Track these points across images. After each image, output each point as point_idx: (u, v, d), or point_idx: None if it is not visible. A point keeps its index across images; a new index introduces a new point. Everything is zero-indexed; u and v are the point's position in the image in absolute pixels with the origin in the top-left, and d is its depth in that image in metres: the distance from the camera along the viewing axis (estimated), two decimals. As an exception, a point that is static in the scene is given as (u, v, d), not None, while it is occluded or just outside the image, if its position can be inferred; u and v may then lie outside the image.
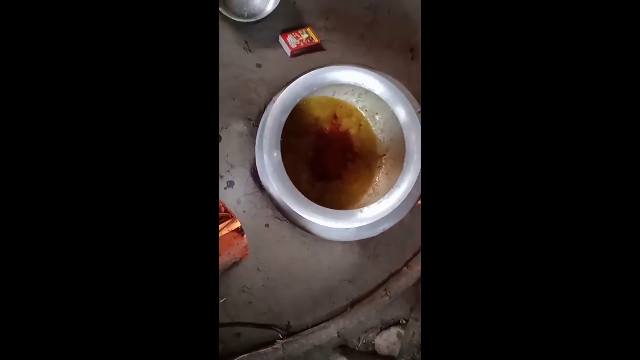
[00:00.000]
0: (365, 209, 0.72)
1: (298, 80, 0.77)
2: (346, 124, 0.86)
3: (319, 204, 0.74)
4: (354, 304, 0.96)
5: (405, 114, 0.77)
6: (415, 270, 0.95)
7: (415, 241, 0.98)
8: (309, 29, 0.95)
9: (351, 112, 0.85)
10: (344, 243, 0.90)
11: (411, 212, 0.92)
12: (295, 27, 0.96)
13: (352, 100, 0.83)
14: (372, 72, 0.81)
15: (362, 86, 0.81)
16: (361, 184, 0.82)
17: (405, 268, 0.96)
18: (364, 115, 0.84)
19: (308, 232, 0.82)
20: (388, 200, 0.72)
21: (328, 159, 0.85)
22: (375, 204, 0.72)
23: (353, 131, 0.86)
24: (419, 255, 0.97)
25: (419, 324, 0.87)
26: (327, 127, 0.85)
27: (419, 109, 0.83)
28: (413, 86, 1.00)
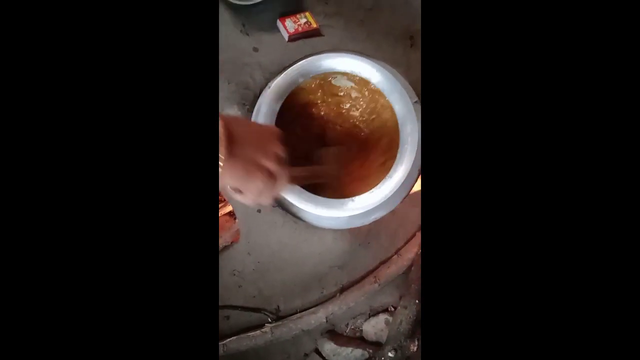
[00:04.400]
0: (357, 198, 0.72)
1: (293, 67, 0.76)
2: (342, 111, 0.86)
3: (312, 191, 0.74)
4: (343, 290, 0.97)
5: (400, 103, 0.77)
6: (405, 258, 0.96)
7: (405, 230, 0.98)
8: (307, 13, 0.94)
9: (347, 99, 0.84)
10: (335, 230, 0.91)
11: (402, 201, 0.92)
12: (293, 10, 0.95)
13: (348, 87, 0.83)
14: (369, 60, 0.80)
15: (359, 74, 0.81)
16: (356, 172, 0.82)
17: (395, 256, 0.97)
18: (361, 102, 0.84)
19: (299, 218, 0.82)
20: (380, 190, 0.72)
21: (322, 146, 0.85)
22: (367, 193, 0.72)
23: (349, 119, 0.85)
24: (409, 244, 0.97)
25: (407, 311, 0.88)
26: (323, 114, 0.85)
27: (416, 99, 0.82)
28: (411, 74, 0.99)
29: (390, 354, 0.87)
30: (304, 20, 0.92)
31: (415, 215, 0.97)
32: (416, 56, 1.01)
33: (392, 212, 0.94)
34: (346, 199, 0.72)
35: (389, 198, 0.74)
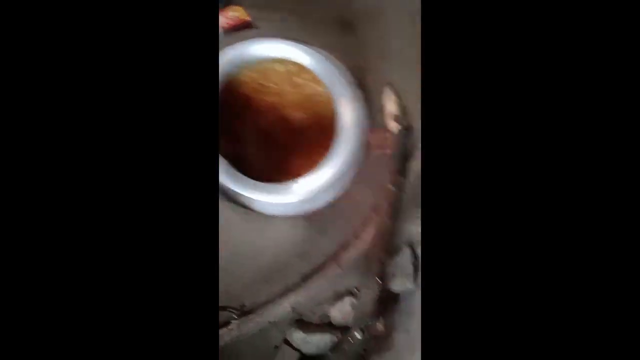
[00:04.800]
0: (301, 180, 0.72)
1: (221, 56, 0.76)
2: (279, 97, 0.86)
3: (260, 179, 0.74)
4: (306, 278, 0.97)
5: (335, 85, 0.78)
6: (364, 240, 0.96)
7: (361, 212, 0.99)
8: (238, 7, 0.94)
9: (284, 85, 0.85)
10: (289, 218, 0.91)
11: (355, 183, 0.93)
12: (224, 5, 0.95)
13: (282, 72, 0.83)
14: (302, 46, 0.81)
15: (293, 60, 0.81)
16: (300, 156, 0.82)
17: (354, 239, 0.97)
18: (297, 88, 0.85)
19: (250, 209, 0.82)
20: (323, 171, 0.72)
21: (265, 134, 0.85)
22: (311, 174, 0.72)
23: (286, 104, 0.86)
24: (367, 226, 0.98)
25: (370, 291, 0.89)
26: (262, 103, 0.85)
27: (352, 80, 0.83)
28: (348, 60, 1.01)
29: (357, 335, 0.88)
30: (235, 14, 0.92)
31: (368, 197, 0.98)
32: (352, 40, 1.02)
33: (347, 197, 0.95)
34: (290, 183, 0.72)
35: (336, 179, 0.74)
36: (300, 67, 0.81)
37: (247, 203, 0.81)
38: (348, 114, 0.75)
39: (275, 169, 0.78)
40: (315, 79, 0.81)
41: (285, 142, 0.82)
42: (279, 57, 0.80)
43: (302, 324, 0.97)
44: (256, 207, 0.82)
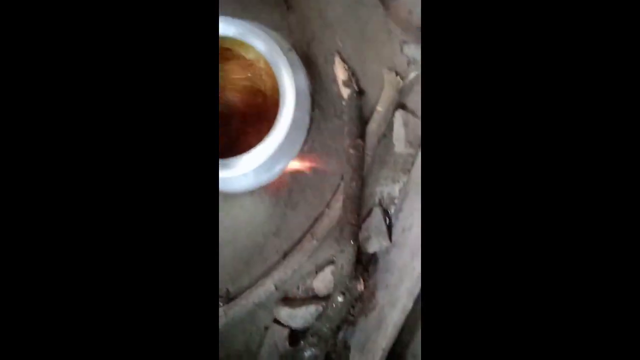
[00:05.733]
0: (252, 150, 0.73)
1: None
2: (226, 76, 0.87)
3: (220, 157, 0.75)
4: (285, 255, 0.98)
5: (276, 57, 0.79)
6: (335, 208, 0.97)
7: (329, 182, 1.00)
8: None
9: (230, 64, 0.86)
10: (251, 193, 0.92)
11: (315, 151, 0.94)
12: None
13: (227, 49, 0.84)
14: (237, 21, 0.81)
15: (234, 37, 0.82)
16: (257, 130, 0.83)
17: (326, 209, 0.98)
18: (243, 65, 0.86)
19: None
20: (271, 138, 0.73)
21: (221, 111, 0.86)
22: (260, 144, 0.74)
23: (232, 83, 0.87)
24: (336, 195, 0.99)
25: (345, 254, 0.90)
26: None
27: (288, 47, 0.84)
28: (293, 36, 1.02)
29: (339, 299, 0.89)
30: None
31: (334, 166, 0.99)
32: (295, 18, 1.03)
33: (311, 168, 0.96)
34: (241, 155, 0.73)
35: (287, 146, 0.75)
36: (238, 43, 0.82)
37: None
38: (290, 85, 0.76)
39: (225, 146, 0.80)
40: (255, 54, 0.82)
41: (228, 120, 0.83)
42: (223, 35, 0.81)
43: (288, 300, 0.98)
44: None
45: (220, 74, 0.87)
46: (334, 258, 0.96)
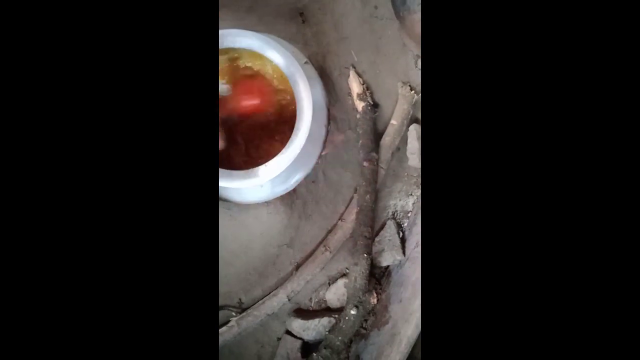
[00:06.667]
0: (269, 163, 0.74)
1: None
2: (251, 87, 0.88)
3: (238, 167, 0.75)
4: (298, 266, 0.98)
5: (293, 71, 0.79)
6: (349, 220, 0.97)
7: (342, 195, 1.00)
8: None
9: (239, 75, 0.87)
10: (266, 204, 0.92)
11: (329, 164, 0.94)
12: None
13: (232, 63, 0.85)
14: (260, 35, 0.82)
15: (251, 49, 0.82)
16: (274, 142, 0.84)
17: (340, 221, 0.99)
18: (268, 76, 0.86)
19: (225, 200, 0.84)
20: (289, 150, 0.74)
21: (238, 123, 0.86)
22: (277, 155, 0.74)
23: (259, 92, 0.88)
24: (350, 207, 0.99)
25: (359, 267, 0.90)
26: (234, 96, 0.87)
27: (305, 60, 0.85)
28: (309, 49, 1.03)
29: (352, 312, 0.89)
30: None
31: (348, 179, 1.00)
32: (310, 31, 1.04)
33: (325, 180, 0.96)
34: (259, 166, 0.74)
35: (303, 158, 0.76)
36: (256, 56, 0.83)
37: (223, 195, 0.83)
38: (307, 98, 0.76)
39: (242, 157, 0.80)
40: (273, 67, 0.82)
41: (246, 131, 0.84)
42: (232, 47, 0.82)
43: (300, 312, 0.98)
44: (230, 196, 0.83)
45: (237, 86, 0.88)
46: (347, 271, 0.96)
